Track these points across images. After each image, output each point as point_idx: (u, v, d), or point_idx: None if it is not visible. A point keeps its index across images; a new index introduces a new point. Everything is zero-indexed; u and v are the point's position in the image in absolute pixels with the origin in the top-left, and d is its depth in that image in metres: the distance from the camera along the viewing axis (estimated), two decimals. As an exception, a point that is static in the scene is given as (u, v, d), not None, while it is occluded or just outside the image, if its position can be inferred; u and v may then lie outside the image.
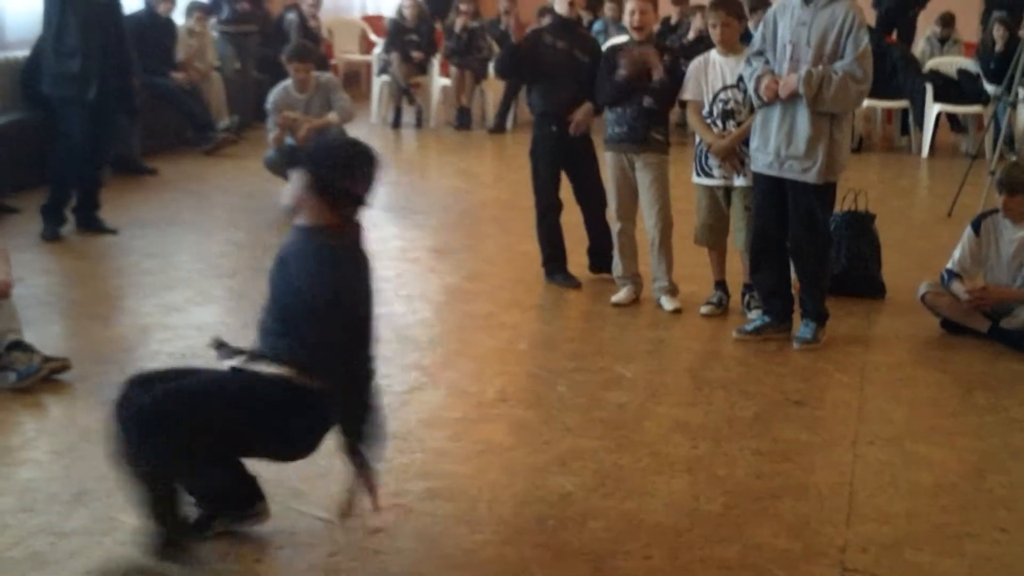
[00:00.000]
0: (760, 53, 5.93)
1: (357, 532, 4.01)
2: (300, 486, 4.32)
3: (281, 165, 9.12)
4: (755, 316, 6.27)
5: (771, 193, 5.97)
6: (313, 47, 10.72)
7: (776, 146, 5.83)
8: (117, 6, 8.12)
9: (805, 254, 6.02)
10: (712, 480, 4.48)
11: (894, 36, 13.79)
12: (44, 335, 5.73)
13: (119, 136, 9.88)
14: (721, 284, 6.65)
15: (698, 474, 4.54)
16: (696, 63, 6.48)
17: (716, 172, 6.40)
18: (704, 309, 6.58)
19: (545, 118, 7.04)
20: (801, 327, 6.09)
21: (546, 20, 7.19)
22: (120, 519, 4.03)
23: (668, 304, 6.66)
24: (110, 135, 8.32)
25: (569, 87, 6.85)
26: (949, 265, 6.34)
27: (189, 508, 3.84)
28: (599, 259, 7.19)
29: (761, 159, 5.94)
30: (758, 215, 6.11)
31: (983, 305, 6.18)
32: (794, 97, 5.73)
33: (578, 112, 6.82)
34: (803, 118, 5.74)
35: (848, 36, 5.66)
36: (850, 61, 5.65)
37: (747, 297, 6.55)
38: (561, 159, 7.00)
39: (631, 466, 4.60)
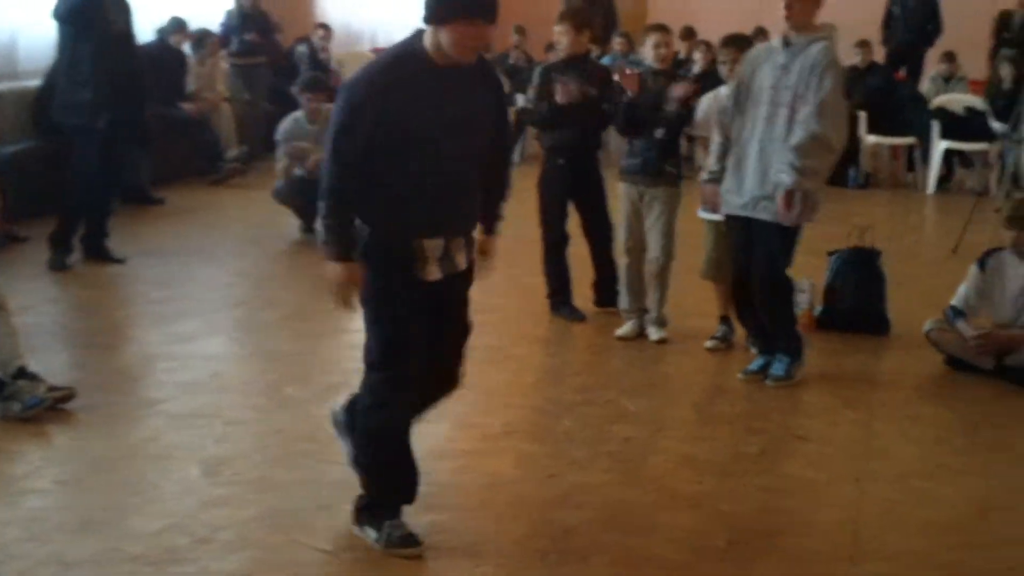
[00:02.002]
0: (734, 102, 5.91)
1: (360, 564, 4.01)
2: (304, 517, 4.32)
3: (289, 196, 9.19)
4: (757, 354, 6.24)
5: (745, 233, 5.95)
6: (324, 78, 10.78)
7: (751, 188, 5.81)
8: (131, 36, 8.18)
9: (770, 294, 5.97)
10: (717, 516, 4.47)
11: (903, 73, 13.85)
12: (50, 364, 5.74)
13: (129, 165, 9.96)
14: (726, 319, 6.65)
15: (703, 509, 4.53)
16: (707, 99, 6.51)
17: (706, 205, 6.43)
18: (709, 344, 6.58)
19: (554, 152, 7.08)
20: (775, 363, 6.04)
21: (552, 56, 7.24)
22: (126, 549, 4.03)
23: (654, 334, 6.67)
24: (120, 165, 8.36)
25: (578, 121, 6.89)
26: (954, 302, 6.34)
27: None
28: (605, 293, 7.20)
29: (735, 200, 5.91)
30: (737, 257, 6.09)
31: (988, 350, 6.17)
32: (770, 137, 5.72)
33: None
34: (777, 162, 5.71)
35: (816, 78, 5.62)
36: (810, 114, 5.59)
37: (752, 336, 6.55)
38: (569, 192, 7.04)
39: (636, 501, 4.59)
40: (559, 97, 6.72)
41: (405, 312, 4.05)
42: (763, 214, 5.78)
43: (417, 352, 4.07)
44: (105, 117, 7.76)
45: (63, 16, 7.73)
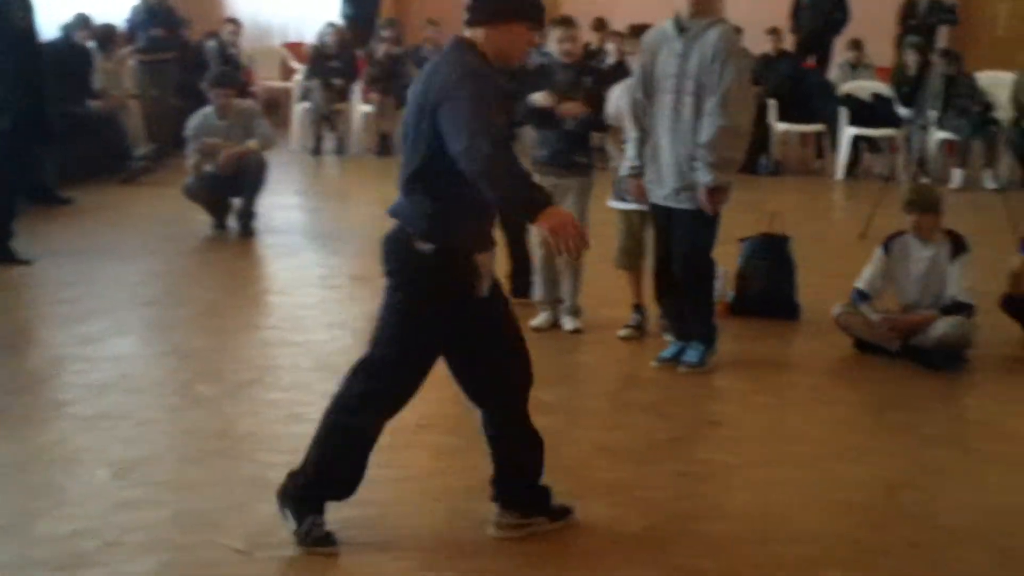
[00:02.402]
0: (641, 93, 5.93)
1: (275, 562, 3.98)
2: (216, 517, 4.28)
3: (200, 192, 9.09)
4: (671, 341, 6.30)
5: (668, 222, 6.00)
6: (234, 74, 10.68)
7: (669, 180, 5.85)
8: (34, 34, 8.02)
9: (693, 281, 6.03)
10: (632, 503, 4.51)
11: (812, 61, 14.03)
12: (-45, 368, 5.63)
13: (34, 165, 9.76)
14: (639, 307, 6.70)
15: (618, 497, 4.56)
16: (617, 89, 6.53)
17: (630, 197, 6.46)
18: (623, 332, 6.63)
19: None
20: (688, 351, 6.09)
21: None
22: (33, 554, 3.97)
23: (568, 324, 6.71)
24: (25, 164, 8.20)
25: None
26: (859, 284, 6.45)
27: None
28: (519, 283, 7.21)
29: (657, 191, 5.96)
30: (658, 244, 6.14)
31: (894, 333, 6.27)
32: (679, 127, 5.77)
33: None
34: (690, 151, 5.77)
35: (717, 67, 5.65)
36: (715, 105, 5.63)
37: (664, 321, 6.60)
38: None
39: (552, 490, 4.59)
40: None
41: (437, 342, 3.99)
42: (685, 203, 5.83)
43: (423, 377, 4.05)
44: (8, 117, 7.61)
45: None
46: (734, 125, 5.67)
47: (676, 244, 5.94)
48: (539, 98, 6.53)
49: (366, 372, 4.03)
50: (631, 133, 6.04)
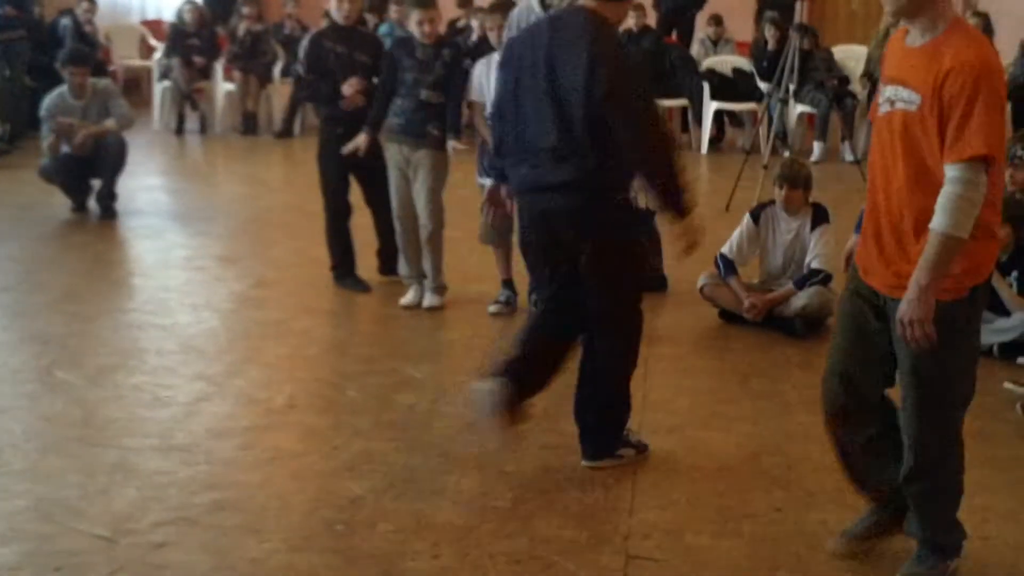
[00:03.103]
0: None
1: (140, 548, 3.91)
2: (78, 504, 4.19)
3: (57, 174, 8.85)
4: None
5: None
6: (89, 52, 10.43)
7: None
8: None
9: None
10: (500, 476, 4.53)
11: (674, 37, 14.20)
12: None
13: None
14: (508, 283, 6.73)
15: (487, 471, 4.58)
16: (480, 65, 6.52)
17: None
18: (492, 308, 6.64)
19: (331, 122, 7.01)
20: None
21: (325, 24, 7.17)
22: None
23: (429, 300, 6.70)
24: None
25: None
26: (724, 249, 6.57)
27: None
28: (388, 262, 7.19)
29: None
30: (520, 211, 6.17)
31: (759, 314, 6.41)
32: None
33: (347, 87, 6.79)
34: None
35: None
36: None
37: (534, 296, 6.63)
38: (349, 163, 6.95)
39: (421, 466, 4.61)
40: (344, 104, 6.66)
41: None
42: None
43: None
44: None
45: None
46: None
47: None
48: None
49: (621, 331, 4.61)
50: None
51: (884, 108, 3.51)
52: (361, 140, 6.68)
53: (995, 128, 3.29)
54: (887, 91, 3.50)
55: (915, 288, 3.34)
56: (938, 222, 3.30)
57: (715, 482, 4.53)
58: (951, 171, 3.30)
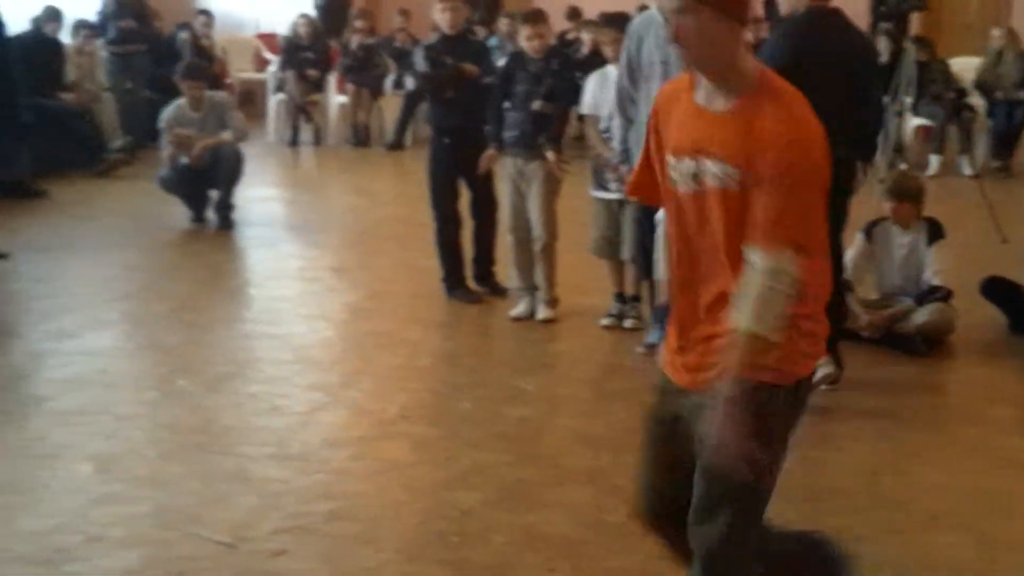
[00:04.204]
0: (630, 76, 5.91)
1: (258, 555, 3.96)
2: (198, 511, 4.26)
3: (175, 184, 9.05)
4: (656, 328, 6.30)
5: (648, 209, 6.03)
6: (206, 65, 10.66)
7: None
8: (0, 27, 7.94)
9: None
10: (613, 491, 4.50)
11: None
12: (-69, 364, 5.59)
13: (9, 159, 9.71)
14: (620, 296, 6.70)
15: (600, 485, 4.56)
16: (594, 78, 6.52)
17: (612, 186, 6.46)
18: (604, 321, 6.62)
19: (439, 132, 7.11)
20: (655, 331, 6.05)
21: (435, 38, 7.26)
22: (15, 549, 3.94)
23: (542, 313, 6.70)
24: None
25: (461, 100, 6.90)
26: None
27: None
28: (480, 270, 7.25)
29: None
30: (638, 223, 6.15)
31: (878, 333, 6.30)
32: None
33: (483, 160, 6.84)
34: None
35: None
36: None
37: (627, 307, 6.62)
38: (456, 171, 7.03)
39: (533, 479, 4.60)
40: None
41: None
42: None
43: None
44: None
45: None
46: None
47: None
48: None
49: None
50: (617, 120, 6.03)
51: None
52: (489, 156, 6.77)
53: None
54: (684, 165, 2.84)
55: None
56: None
57: (832, 501, 4.46)
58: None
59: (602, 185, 6.51)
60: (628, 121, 5.94)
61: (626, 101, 5.93)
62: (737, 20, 2.73)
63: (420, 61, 7.12)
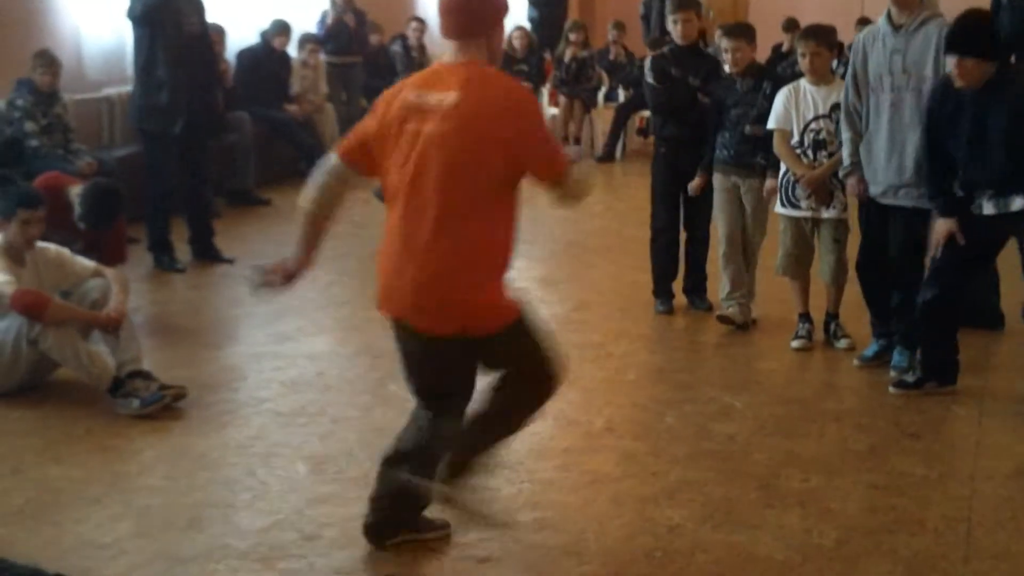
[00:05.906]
0: (855, 85, 5.86)
1: (466, 561, 4.02)
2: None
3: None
4: (873, 339, 6.17)
5: (880, 219, 5.91)
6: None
7: (885, 177, 5.76)
8: (206, 39, 8.21)
9: (902, 277, 5.91)
10: (824, 514, 4.40)
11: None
12: (159, 363, 5.86)
13: (234, 169, 10.12)
14: (805, 316, 6.54)
15: (810, 507, 4.46)
16: (786, 92, 6.40)
17: (803, 203, 6.32)
18: (795, 344, 6.46)
19: (658, 141, 7.29)
20: (895, 355, 6.00)
21: (666, 48, 7.27)
22: (234, 545, 4.10)
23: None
24: (204, 165, 8.38)
25: (682, 111, 6.96)
26: None
27: None
28: (689, 283, 7.22)
29: (874, 188, 5.87)
30: (868, 237, 6.03)
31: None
32: (900, 124, 5.67)
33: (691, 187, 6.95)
34: (911, 147, 5.65)
35: (936, 57, 5.57)
36: None
37: (833, 327, 6.46)
38: (673, 182, 7.05)
39: (740, 498, 4.54)
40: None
41: None
42: (904, 200, 5.76)
43: None
44: (180, 122, 7.81)
45: (136, 17, 7.74)
46: None
47: (896, 243, 5.88)
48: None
49: None
50: (845, 134, 5.93)
51: None
52: (696, 183, 6.88)
53: None
54: None
55: None
56: None
57: (1058, 535, 4.26)
58: None
59: (791, 202, 6.38)
60: (856, 135, 5.85)
61: (853, 115, 5.85)
62: None
63: (647, 72, 7.15)
